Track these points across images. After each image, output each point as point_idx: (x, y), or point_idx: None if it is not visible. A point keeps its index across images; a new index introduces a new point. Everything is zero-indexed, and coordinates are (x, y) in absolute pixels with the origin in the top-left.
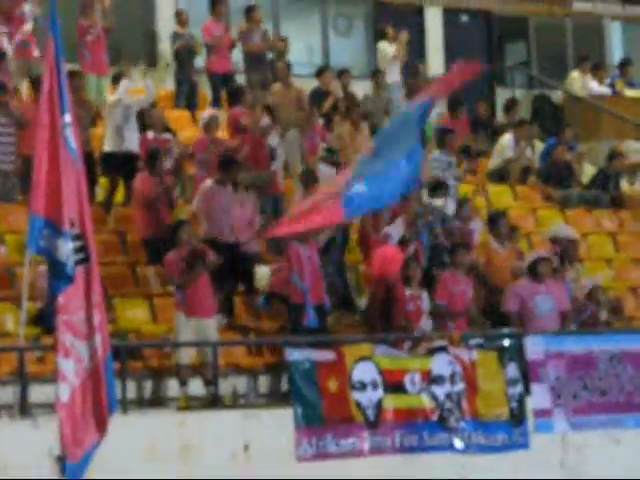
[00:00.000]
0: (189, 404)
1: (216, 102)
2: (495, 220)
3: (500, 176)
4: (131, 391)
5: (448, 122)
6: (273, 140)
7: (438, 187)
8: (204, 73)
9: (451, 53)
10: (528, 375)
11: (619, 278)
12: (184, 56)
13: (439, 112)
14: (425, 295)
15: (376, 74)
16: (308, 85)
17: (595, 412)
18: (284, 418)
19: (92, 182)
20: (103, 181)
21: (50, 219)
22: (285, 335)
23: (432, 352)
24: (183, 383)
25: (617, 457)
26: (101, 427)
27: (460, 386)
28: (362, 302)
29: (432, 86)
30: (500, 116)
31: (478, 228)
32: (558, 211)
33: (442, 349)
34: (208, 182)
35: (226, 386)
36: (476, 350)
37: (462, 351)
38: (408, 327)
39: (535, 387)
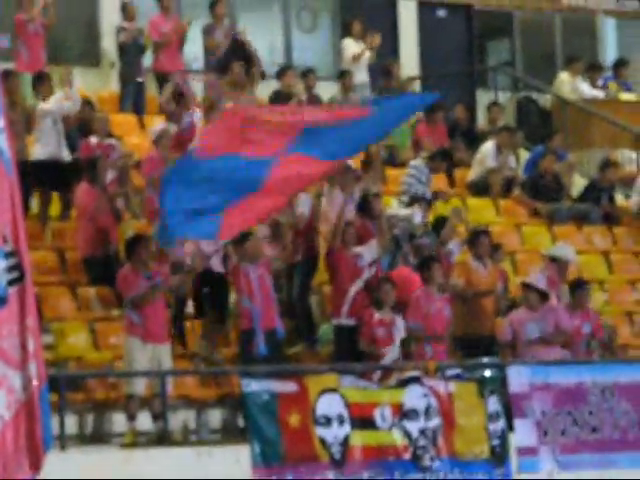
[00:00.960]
0: (135, 440)
1: None
2: (476, 238)
3: (481, 188)
4: (71, 426)
5: (423, 128)
6: None
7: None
8: (151, 73)
9: (427, 52)
10: (511, 409)
11: (613, 302)
12: (130, 53)
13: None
14: (399, 320)
15: (343, 74)
16: (269, 86)
17: (585, 450)
18: (240, 456)
19: (27, 193)
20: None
21: None
22: (241, 364)
23: (404, 383)
24: (132, 417)
25: None
26: (35, 465)
27: (435, 421)
28: (324, 329)
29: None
30: (481, 122)
31: (456, 249)
32: (545, 227)
33: (416, 380)
34: None
35: (176, 420)
36: (454, 381)
37: (438, 382)
38: (374, 355)
39: (519, 422)
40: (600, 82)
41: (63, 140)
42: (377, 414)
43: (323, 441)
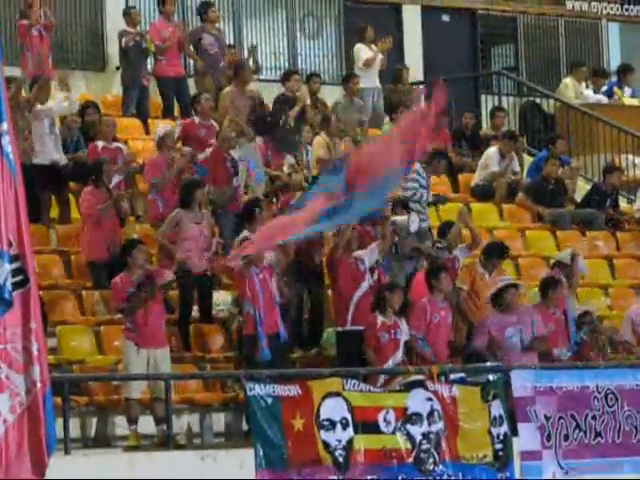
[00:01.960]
0: (139, 443)
1: (168, 110)
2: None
3: (485, 193)
4: (74, 429)
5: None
6: (235, 152)
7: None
8: (153, 77)
9: (431, 57)
10: (514, 413)
11: (616, 306)
12: (133, 58)
13: None
14: (404, 324)
15: (348, 79)
16: (273, 91)
17: (589, 455)
18: (244, 459)
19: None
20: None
21: None
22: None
23: (408, 387)
24: (133, 420)
25: None
26: (39, 469)
27: (439, 425)
28: (326, 334)
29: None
30: (485, 126)
31: (462, 255)
32: (549, 232)
33: (419, 384)
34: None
35: (180, 424)
36: (457, 385)
37: (441, 386)
38: (377, 361)
39: (522, 427)
40: (604, 87)
41: (59, 144)
42: (381, 418)
43: (327, 445)
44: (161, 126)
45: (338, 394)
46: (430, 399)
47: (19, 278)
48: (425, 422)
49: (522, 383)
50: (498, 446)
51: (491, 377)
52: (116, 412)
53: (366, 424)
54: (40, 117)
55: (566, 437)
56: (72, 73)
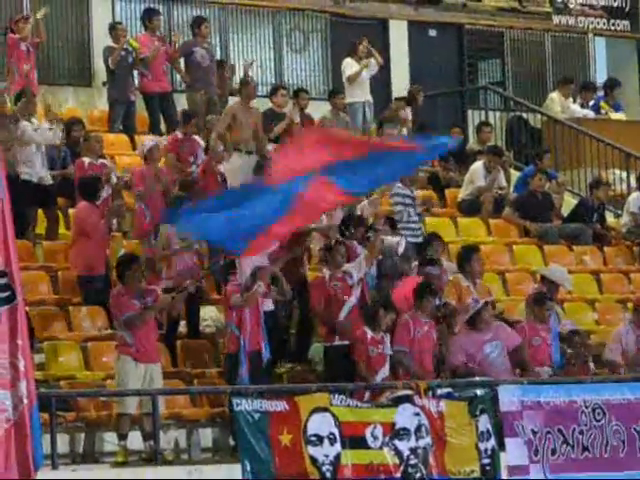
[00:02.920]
0: (127, 459)
1: (154, 126)
2: (467, 257)
3: (472, 208)
4: (62, 445)
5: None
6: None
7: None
8: (139, 93)
9: (418, 72)
10: (502, 428)
11: (603, 321)
12: (120, 73)
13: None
14: (387, 339)
15: (334, 94)
16: (260, 106)
17: (576, 469)
18: (231, 475)
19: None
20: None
21: None
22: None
23: (396, 402)
24: (123, 436)
25: None
26: None
27: (426, 440)
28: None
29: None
30: (472, 141)
31: (450, 270)
32: (536, 246)
33: (407, 399)
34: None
35: (167, 439)
36: (444, 400)
37: (429, 401)
38: (368, 375)
39: (510, 441)
40: (591, 102)
41: (46, 161)
42: (368, 433)
43: (314, 460)
44: (147, 139)
45: (325, 409)
46: (418, 414)
47: (6, 294)
48: (413, 437)
49: (509, 398)
50: (485, 461)
51: (478, 392)
52: (104, 428)
53: (353, 439)
54: (27, 142)
55: (553, 452)
56: (59, 89)
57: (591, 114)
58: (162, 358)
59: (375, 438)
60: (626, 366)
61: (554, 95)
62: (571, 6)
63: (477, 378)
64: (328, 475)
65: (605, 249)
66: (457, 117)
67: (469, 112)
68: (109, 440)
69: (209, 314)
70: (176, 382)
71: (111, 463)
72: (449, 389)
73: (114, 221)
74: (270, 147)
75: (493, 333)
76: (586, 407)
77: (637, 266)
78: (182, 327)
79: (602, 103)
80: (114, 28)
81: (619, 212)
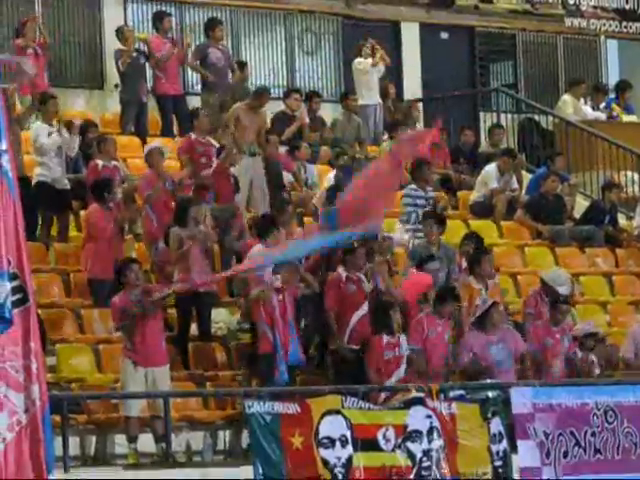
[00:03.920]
0: (138, 461)
1: (167, 128)
2: (477, 259)
3: (484, 210)
4: (74, 447)
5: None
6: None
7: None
8: (151, 95)
9: (430, 74)
10: (514, 430)
11: (615, 323)
12: (132, 75)
13: None
14: (403, 339)
15: (346, 96)
16: (271, 108)
17: (588, 471)
18: (243, 477)
19: (30, 215)
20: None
21: None
22: (244, 385)
23: (408, 405)
24: (132, 439)
25: None
26: None
27: (439, 442)
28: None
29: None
30: (484, 143)
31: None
32: (548, 248)
33: (419, 401)
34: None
35: (179, 441)
36: (456, 403)
37: (441, 404)
38: (379, 382)
39: (522, 443)
40: (602, 104)
41: (64, 166)
42: (380, 435)
43: (326, 462)
44: (151, 142)
45: (337, 412)
46: (430, 416)
47: (19, 296)
48: (425, 439)
49: (521, 400)
50: (498, 463)
51: (490, 394)
52: (115, 430)
53: (365, 442)
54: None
55: (565, 454)
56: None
57: (603, 116)
58: (173, 361)
59: (387, 440)
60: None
61: (566, 97)
62: (583, 8)
63: (488, 380)
64: (340, 477)
65: (617, 251)
66: (469, 119)
67: (481, 114)
68: (120, 442)
69: (220, 316)
70: (188, 384)
71: (123, 465)
72: (461, 391)
73: (126, 224)
74: (282, 149)
75: (500, 335)
76: (598, 409)
77: None
78: (193, 330)
79: (614, 105)
80: (121, 31)
81: (631, 214)
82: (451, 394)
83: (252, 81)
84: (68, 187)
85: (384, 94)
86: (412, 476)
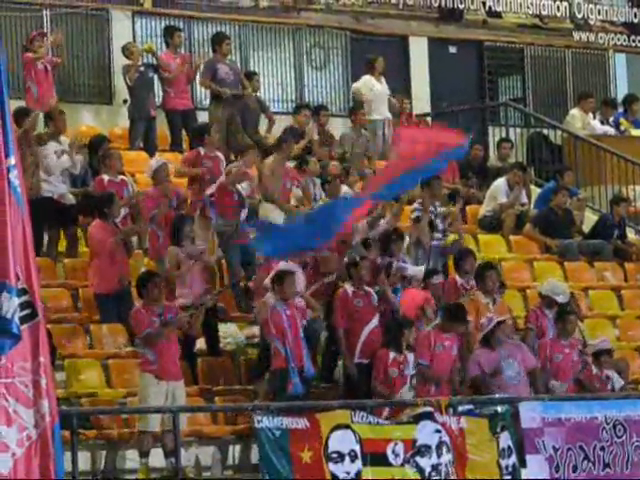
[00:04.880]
0: (149, 476)
1: (176, 143)
2: (481, 273)
3: (493, 224)
4: (84, 462)
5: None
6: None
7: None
8: (161, 110)
9: (438, 88)
10: (523, 445)
11: (624, 337)
12: (140, 90)
13: None
14: (411, 357)
15: (354, 111)
16: (280, 123)
17: None
18: None
19: (39, 230)
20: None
21: None
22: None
23: (417, 419)
24: (144, 454)
25: None
26: None
27: (448, 457)
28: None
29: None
30: (493, 158)
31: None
32: (557, 263)
33: (428, 416)
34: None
35: (189, 457)
36: (465, 417)
37: (450, 418)
38: (387, 396)
39: (531, 458)
40: (611, 118)
41: (68, 181)
42: (389, 450)
43: (335, 477)
44: (154, 159)
45: (346, 426)
46: (439, 431)
47: (27, 312)
48: (434, 454)
49: (530, 414)
50: (507, 477)
51: (499, 409)
52: (125, 445)
53: (375, 456)
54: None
55: (575, 468)
56: (79, 107)
57: (611, 131)
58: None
59: (396, 455)
60: None
61: (575, 111)
62: (591, 22)
63: (497, 395)
64: None
65: (626, 265)
66: (478, 134)
67: (489, 128)
68: (130, 457)
69: (229, 331)
70: (197, 399)
71: None
72: (470, 406)
73: (134, 239)
74: (290, 164)
75: (508, 352)
76: (607, 423)
77: None
78: (201, 344)
79: (621, 120)
80: (127, 48)
81: None
82: (460, 409)
83: (261, 95)
84: (73, 202)
85: (398, 109)
86: None
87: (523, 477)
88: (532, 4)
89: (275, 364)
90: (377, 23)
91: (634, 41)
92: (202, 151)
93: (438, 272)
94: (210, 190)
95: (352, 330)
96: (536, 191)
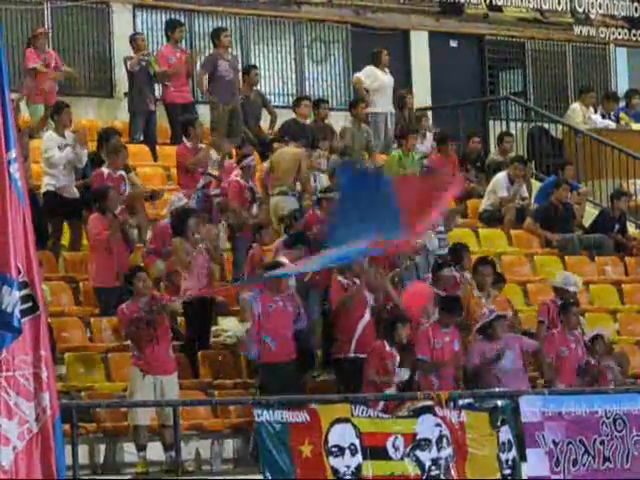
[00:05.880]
0: (147, 470)
1: (176, 137)
2: (475, 269)
3: (493, 218)
4: (83, 456)
5: (435, 159)
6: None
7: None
8: (160, 103)
9: (439, 82)
10: (523, 439)
11: (624, 331)
12: (141, 84)
13: (425, 149)
14: (397, 357)
15: (355, 104)
16: (281, 117)
17: None
18: None
19: (40, 224)
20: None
21: None
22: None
23: (417, 413)
24: (141, 447)
25: None
26: None
27: (448, 451)
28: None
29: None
30: (493, 152)
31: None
32: (557, 257)
33: (428, 410)
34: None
35: (188, 450)
36: (465, 411)
37: (450, 412)
38: (381, 386)
39: (531, 452)
40: (612, 112)
41: (74, 176)
42: (389, 444)
43: (335, 471)
44: (176, 196)
45: (347, 420)
46: (439, 425)
47: (28, 305)
48: (434, 448)
49: (531, 408)
50: (507, 472)
51: (500, 403)
52: (125, 439)
53: (375, 450)
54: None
55: (575, 462)
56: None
57: (612, 125)
58: (182, 369)
59: (396, 449)
60: None
61: (575, 106)
62: (592, 17)
63: (497, 389)
64: None
65: (626, 259)
66: (478, 127)
67: (490, 122)
68: (129, 451)
69: (230, 325)
70: (197, 393)
71: (132, 474)
72: (470, 400)
73: (135, 232)
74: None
75: (504, 342)
76: (607, 417)
77: None
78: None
79: (622, 114)
80: (134, 39)
81: None
82: (460, 402)
83: (261, 89)
84: (77, 196)
85: (402, 103)
86: None
87: (523, 471)
88: None
89: (262, 359)
90: (378, 17)
91: (635, 35)
92: (188, 144)
93: (449, 265)
94: (214, 192)
95: (346, 323)
96: (537, 185)
